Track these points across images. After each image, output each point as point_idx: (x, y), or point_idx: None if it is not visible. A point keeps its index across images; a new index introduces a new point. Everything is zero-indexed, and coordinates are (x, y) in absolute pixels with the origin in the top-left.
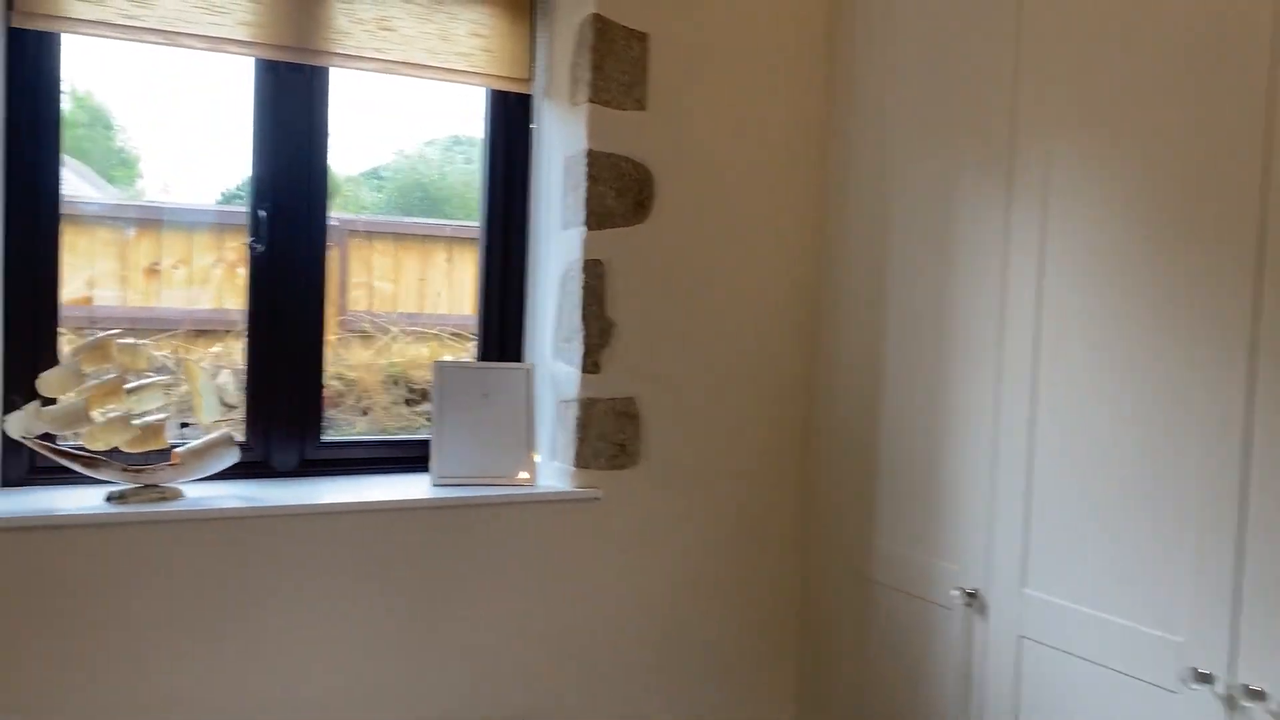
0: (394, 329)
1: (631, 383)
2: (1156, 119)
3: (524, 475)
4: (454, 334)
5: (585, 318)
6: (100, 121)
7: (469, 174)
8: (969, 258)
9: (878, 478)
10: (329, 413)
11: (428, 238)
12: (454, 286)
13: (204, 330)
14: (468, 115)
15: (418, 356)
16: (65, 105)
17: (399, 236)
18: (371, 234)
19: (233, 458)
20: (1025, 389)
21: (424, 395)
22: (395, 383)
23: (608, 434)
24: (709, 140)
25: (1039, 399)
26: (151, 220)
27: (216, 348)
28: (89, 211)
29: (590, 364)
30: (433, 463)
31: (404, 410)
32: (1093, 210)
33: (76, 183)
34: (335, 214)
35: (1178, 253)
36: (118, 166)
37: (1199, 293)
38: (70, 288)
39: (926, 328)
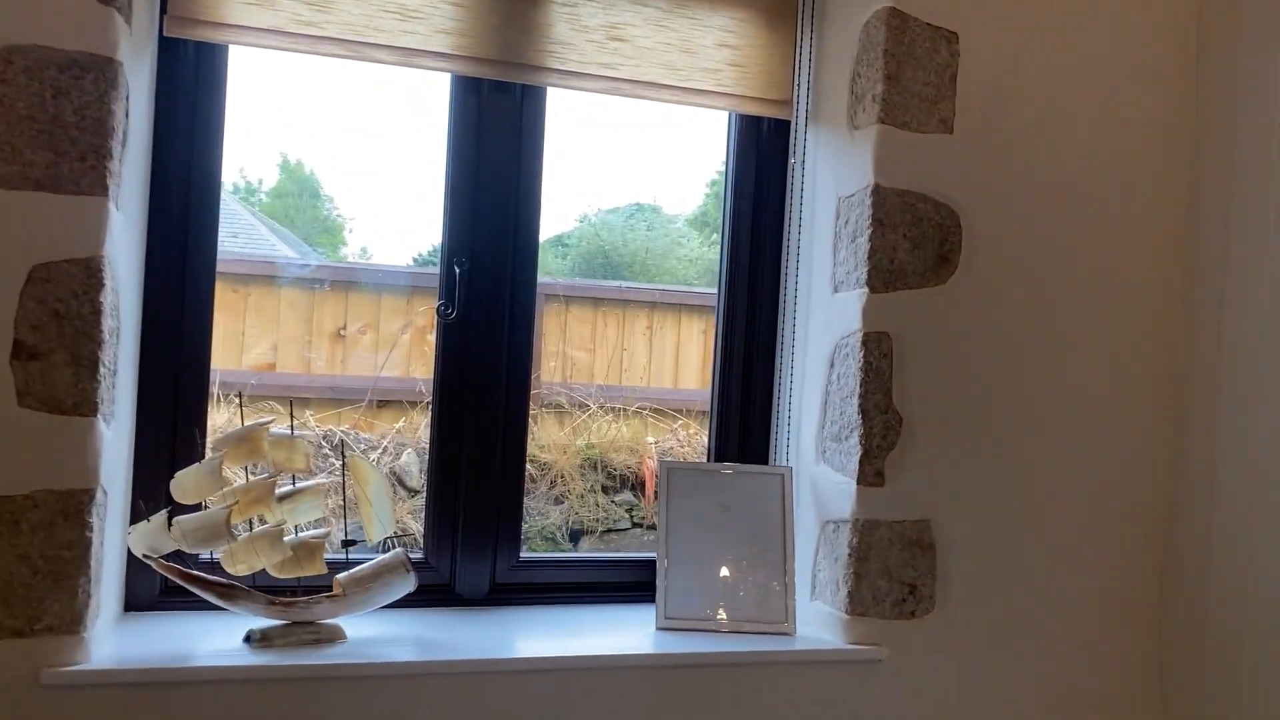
0: (591, 404)
1: (927, 500)
2: None
3: (781, 623)
4: (655, 410)
5: (864, 410)
6: (308, 190)
7: (651, 240)
8: None
9: None
10: None
11: (629, 303)
12: (657, 357)
13: (388, 401)
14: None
15: (617, 437)
16: (271, 173)
17: (597, 301)
18: (569, 298)
19: (408, 586)
20: None
21: (623, 482)
22: (593, 466)
23: (893, 569)
24: (1038, 173)
25: None
26: (342, 282)
27: (399, 422)
28: (274, 273)
29: (871, 473)
30: (659, 598)
31: (600, 499)
32: None
33: (273, 244)
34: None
35: None
36: (321, 233)
37: None
38: (252, 354)
39: None
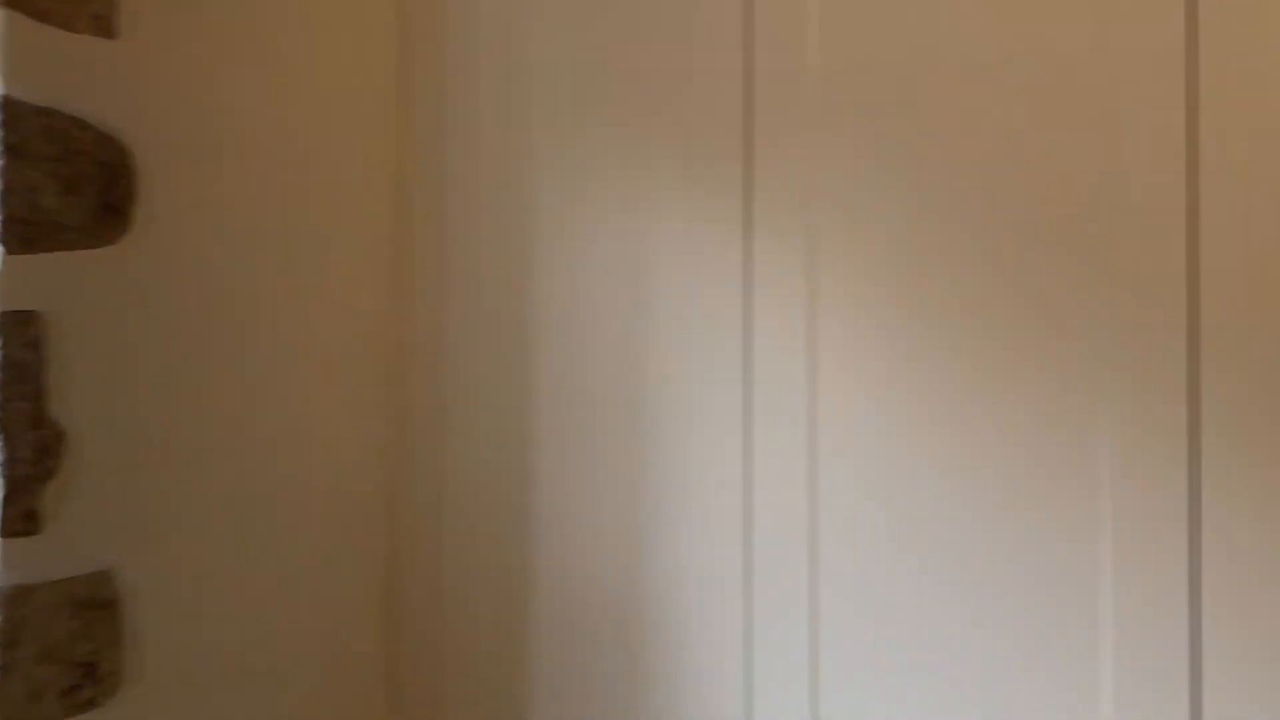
0: None
1: (106, 544)
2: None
3: None
4: None
5: (4, 425)
6: None
7: None
8: (684, 303)
9: (532, 643)
10: None
11: None
12: None
13: None
14: None
15: None
16: None
17: None
18: None
19: None
20: (797, 482)
21: None
22: None
23: (60, 648)
24: (240, 101)
25: (819, 497)
26: None
27: None
28: None
29: (18, 516)
30: None
31: None
32: (886, 228)
33: None
34: None
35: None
36: None
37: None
38: None
39: (610, 407)
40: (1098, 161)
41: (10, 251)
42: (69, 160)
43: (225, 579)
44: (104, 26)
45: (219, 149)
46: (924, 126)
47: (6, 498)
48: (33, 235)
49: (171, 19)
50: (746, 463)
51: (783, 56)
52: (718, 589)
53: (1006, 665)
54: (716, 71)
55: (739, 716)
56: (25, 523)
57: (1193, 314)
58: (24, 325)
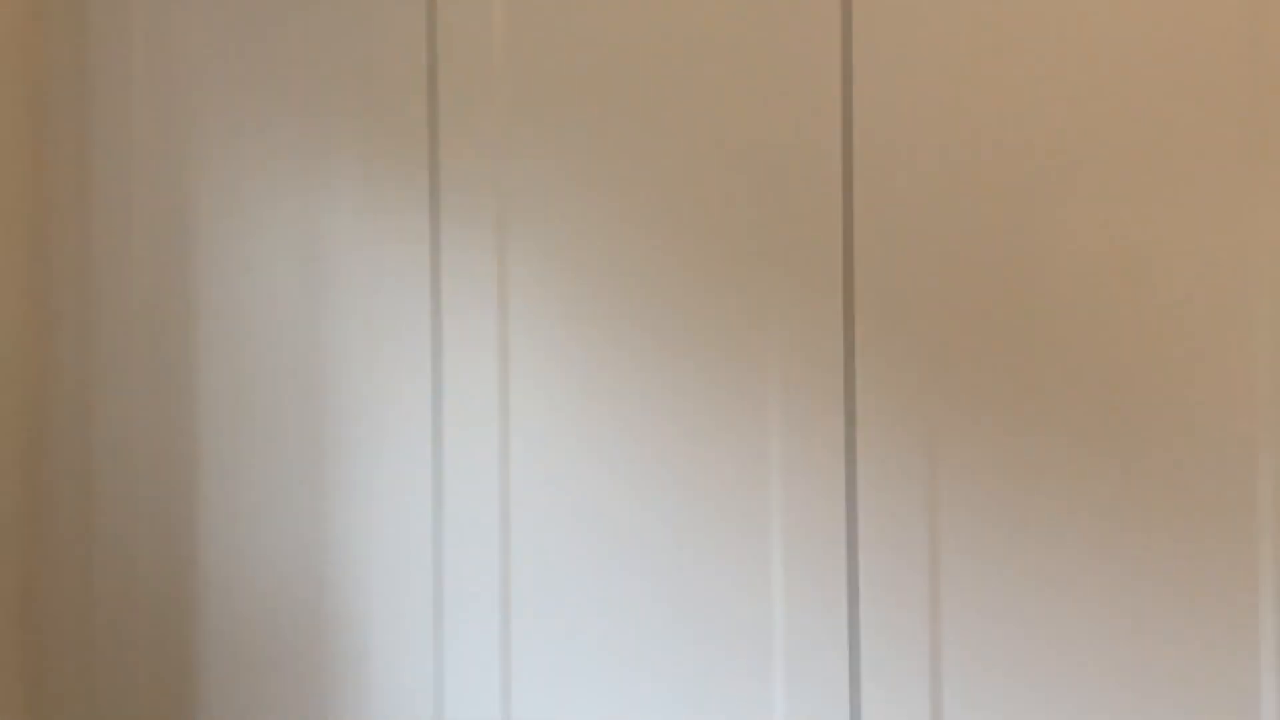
0: None
1: None
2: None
3: None
4: None
5: None
6: None
7: None
8: (368, 296)
9: (200, 649)
10: None
11: None
12: None
13: None
14: None
15: None
16: None
17: None
18: None
19: None
20: (489, 476)
21: None
22: None
23: None
24: None
25: (510, 494)
26: None
27: None
28: None
29: None
30: None
31: None
32: (576, 229)
33: None
34: None
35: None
36: None
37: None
38: None
39: (288, 405)
40: (758, 147)
41: None
42: None
43: None
44: None
45: None
46: (610, 114)
47: None
48: None
49: None
50: (436, 458)
51: (467, 46)
52: (407, 589)
53: (692, 655)
54: (398, 60)
55: (429, 718)
56: None
57: (847, 302)
58: None
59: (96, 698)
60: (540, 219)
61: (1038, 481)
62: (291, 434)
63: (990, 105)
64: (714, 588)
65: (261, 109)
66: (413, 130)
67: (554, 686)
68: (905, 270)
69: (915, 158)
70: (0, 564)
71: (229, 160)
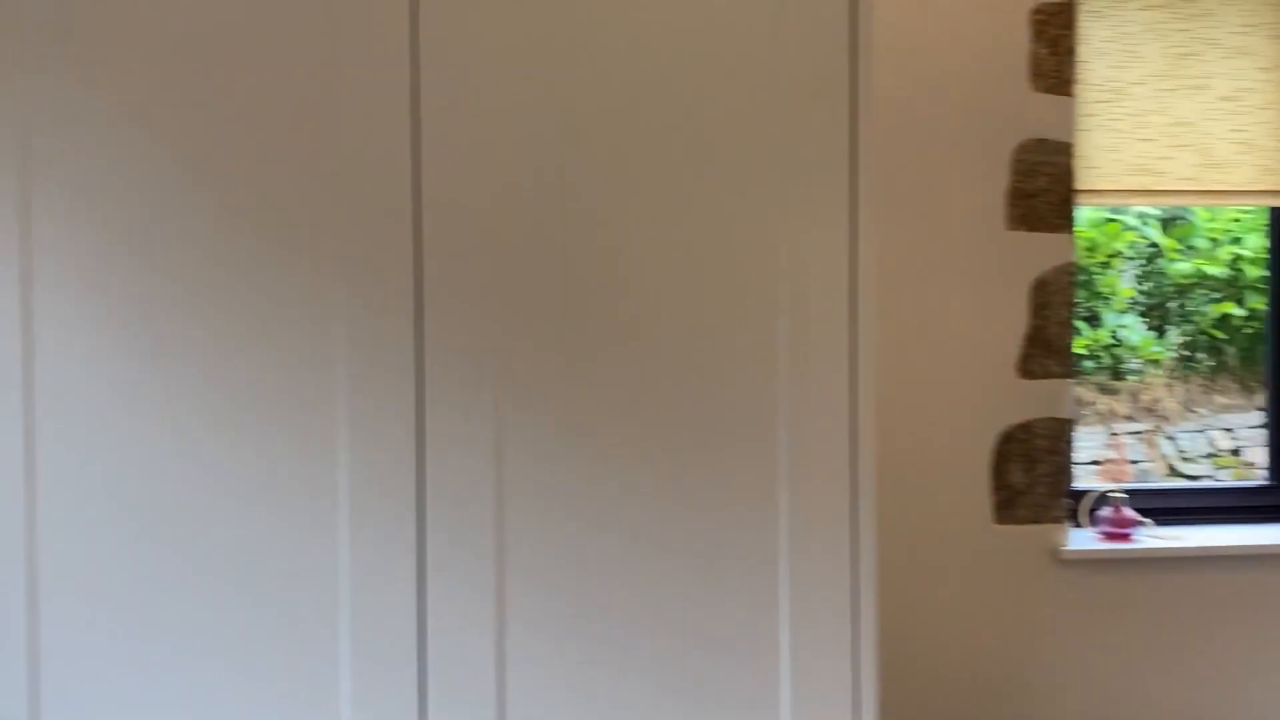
0: None
1: None
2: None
3: None
4: None
5: None
6: None
7: None
8: None
9: None
10: None
11: None
12: None
13: None
14: None
15: None
16: None
17: None
18: None
19: None
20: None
21: None
22: None
23: None
24: None
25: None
26: None
27: None
28: None
29: None
30: None
31: None
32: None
33: None
34: None
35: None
36: None
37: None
38: None
39: None
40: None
41: None
42: None
43: None
44: None
45: None
46: (146, 80)
47: None
48: None
49: None
50: None
51: None
52: None
53: (254, 630)
54: None
55: None
56: None
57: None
58: None
59: None
60: (70, 165)
61: (599, 451)
62: None
63: (554, 109)
64: (277, 559)
65: None
66: None
67: (87, 688)
68: (471, 252)
69: (483, 152)
70: None
71: None
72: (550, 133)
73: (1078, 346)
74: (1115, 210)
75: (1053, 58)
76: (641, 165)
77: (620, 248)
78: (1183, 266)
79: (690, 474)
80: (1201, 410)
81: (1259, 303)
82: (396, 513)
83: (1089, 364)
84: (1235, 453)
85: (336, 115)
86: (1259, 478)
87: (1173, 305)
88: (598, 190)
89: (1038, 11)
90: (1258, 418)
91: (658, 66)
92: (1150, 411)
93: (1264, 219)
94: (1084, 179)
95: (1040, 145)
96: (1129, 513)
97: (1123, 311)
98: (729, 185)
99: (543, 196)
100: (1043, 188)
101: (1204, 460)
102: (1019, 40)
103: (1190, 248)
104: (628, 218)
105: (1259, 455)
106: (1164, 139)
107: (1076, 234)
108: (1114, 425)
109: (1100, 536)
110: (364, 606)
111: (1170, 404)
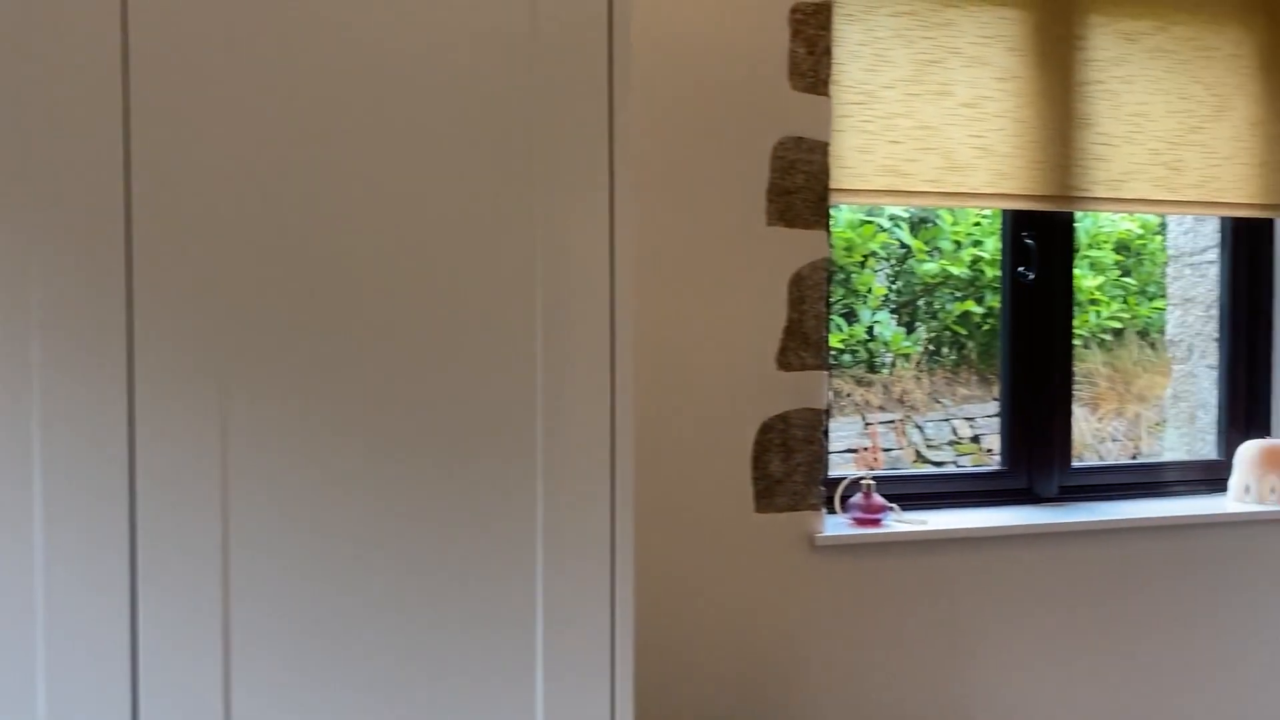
0: None
1: None
2: None
3: None
4: None
5: None
6: None
7: None
8: None
9: None
10: None
11: None
12: None
13: None
14: None
15: None
16: None
17: None
18: None
19: None
20: None
21: None
22: None
23: None
24: None
25: None
26: None
27: None
28: None
29: None
30: None
31: None
32: None
33: None
34: None
35: None
36: None
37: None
38: None
39: None
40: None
41: None
42: None
43: None
44: None
45: None
46: None
47: None
48: None
49: None
50: None
51: None
52: None
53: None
54: None
55: None
56: None
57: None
58: None
59: None
60: None
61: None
62: None
63: (272, 106)
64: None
65: None
66: None
67: None
68: (187, 233)
69: (195, 150)
70: None
71: None
72: (281, 118)
73: (835, 341)
74: (870, 212)
75: (810, 57)
76: (385, 158)
77: (364, 240)
78: (930, 267)
79: (440, 473)
80: (945, 401)
81: (995, 301)
82: (102, 510)
83: (847, 358)
84: (975, 440)
85: (46, 84)
86: (995, 463)
87: (921, 303)
88: (336, 179)
89: (796, 10)
90: (995, 407)
91: (407, 56)
92: (901, 402)
93: (999, 223)
94: (838, 178)
95: (798, 143)
96: (878, 499)
97: (876, 309)
98: (480, 178)
99: (270, 185)
100: (800, 185)
101: (948, 447)
102: (779, 39)
103: (936, 249)
104: (371, 210)
105: (996, 442)
106: (911, 142)
107: (833, 232)
108: (869, 415)
109: (852, 522)
110: (64, 616)
111: (918, 395)
